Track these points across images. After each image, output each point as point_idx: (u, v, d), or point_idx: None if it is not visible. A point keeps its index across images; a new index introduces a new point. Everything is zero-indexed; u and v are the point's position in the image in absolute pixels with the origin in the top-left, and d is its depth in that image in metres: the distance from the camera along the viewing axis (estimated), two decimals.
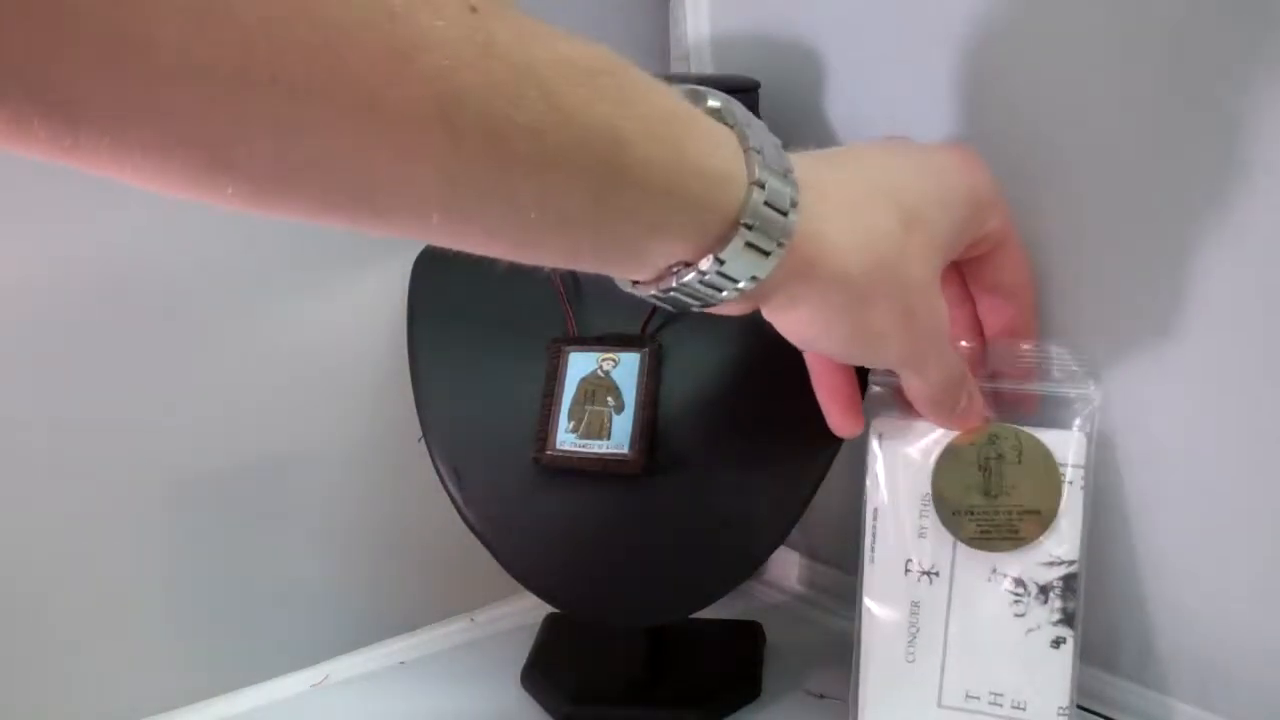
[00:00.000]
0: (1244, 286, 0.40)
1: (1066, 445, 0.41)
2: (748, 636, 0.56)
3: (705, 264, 0.31)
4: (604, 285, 0.34)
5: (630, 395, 0.46)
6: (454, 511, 0.48)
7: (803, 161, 0.33)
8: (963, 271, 0.43)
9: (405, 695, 0.54)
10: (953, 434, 0.42)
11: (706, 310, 0.34)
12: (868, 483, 0.43)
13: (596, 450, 0.46)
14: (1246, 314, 0.40)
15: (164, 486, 0.51)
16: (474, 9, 0.24)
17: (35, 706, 0.49)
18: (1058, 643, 0.41)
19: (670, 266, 0.32)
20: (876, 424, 0.43)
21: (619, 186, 0.28)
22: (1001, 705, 0.41)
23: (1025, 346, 0.43)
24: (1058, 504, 0.41)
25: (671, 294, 0.32)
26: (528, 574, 0.47)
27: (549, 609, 0.57)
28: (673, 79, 0.32)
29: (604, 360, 0.47)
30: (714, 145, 0.30)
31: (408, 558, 0.60)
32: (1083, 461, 0.41)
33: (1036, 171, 0.44)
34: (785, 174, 0.31)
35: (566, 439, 0.46)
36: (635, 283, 0.33)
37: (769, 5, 0.56)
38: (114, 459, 0.50)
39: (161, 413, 0.51)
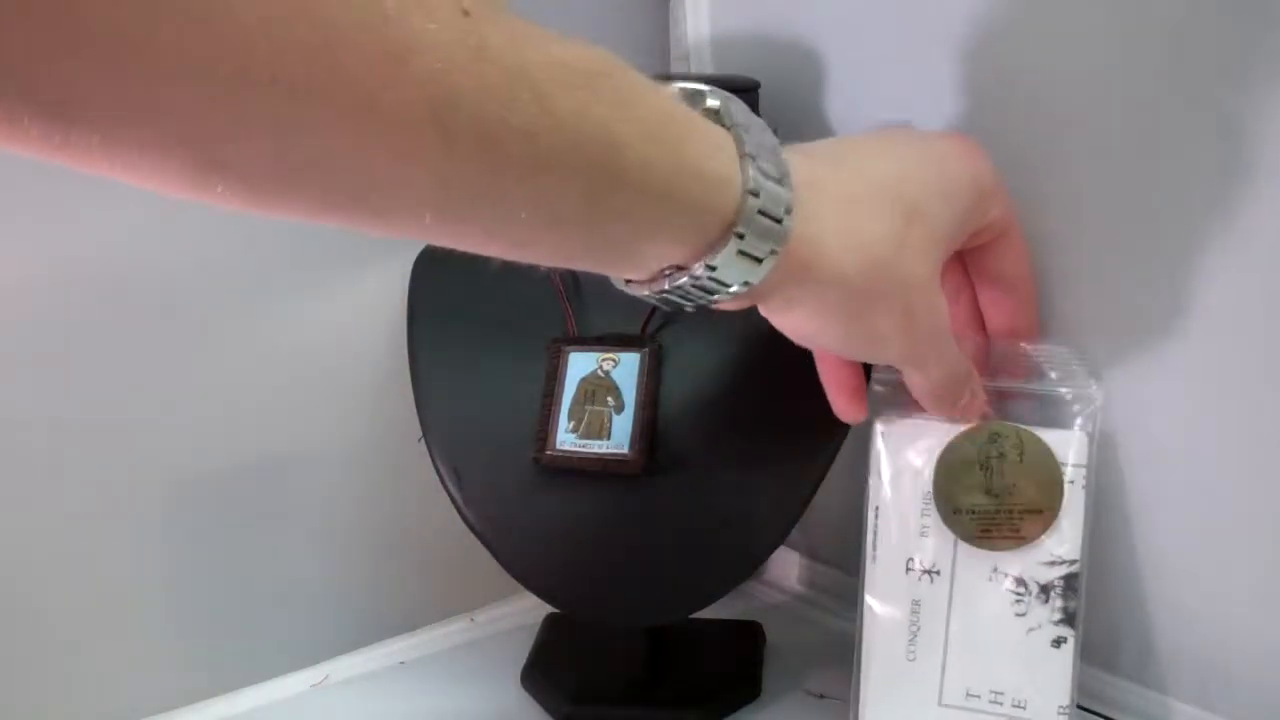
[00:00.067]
0: (1245, 287, 0.40)
1: (1068, 445, 0.41)
2: (748, 636, 0.56)
3: (698, 269, 0.31)
4: (604, 285, 0.34)
5: (630, 395, 0.46)
6: (454, 511, 0.47)
7: (801, 160, 0.33)
8: (964, 260, 0.43)
9: (405, 695, 0.54)
10: (955, 434, 0.42)
11: (703, 307, 0.34)
12: (870, 481, 0.43)
13: (596, 450, 0.46)
14: (1247, 314, 0.40)
15: (164, 486, 0.51)
16: (467, 12, 0.24)
17: (35, 706, 0.49)
18: (1058, 642, 0.41)
19: (663, 269, 0.32)
20: (879, 423, 0.43)
21: (613, 188, 0.28)
22: (1002, 704, 0.42)
23: (1027, 347, 0.43)
24: (1059, 503, 0.41)
25: (664, 294, 0.32)
26: (528, 574, 0.47)
27: (549, 609, 0.57)
28: (673, 79, 0.31)
29: (604, 360, 0.47)
30: (712, 148, 0.30)
31: (408, 558, 0.60)
32: (1084, 461, 0.41)
33: (1037, 172, 0.44)
34: (782, 178, 0.31)
35: (566, 439, 0.46)
36: (629, 281, 0.33)
37: (769, 5, 0.56)
38: (114, 459, 0.50)
39: (161, 413, 0.51)
